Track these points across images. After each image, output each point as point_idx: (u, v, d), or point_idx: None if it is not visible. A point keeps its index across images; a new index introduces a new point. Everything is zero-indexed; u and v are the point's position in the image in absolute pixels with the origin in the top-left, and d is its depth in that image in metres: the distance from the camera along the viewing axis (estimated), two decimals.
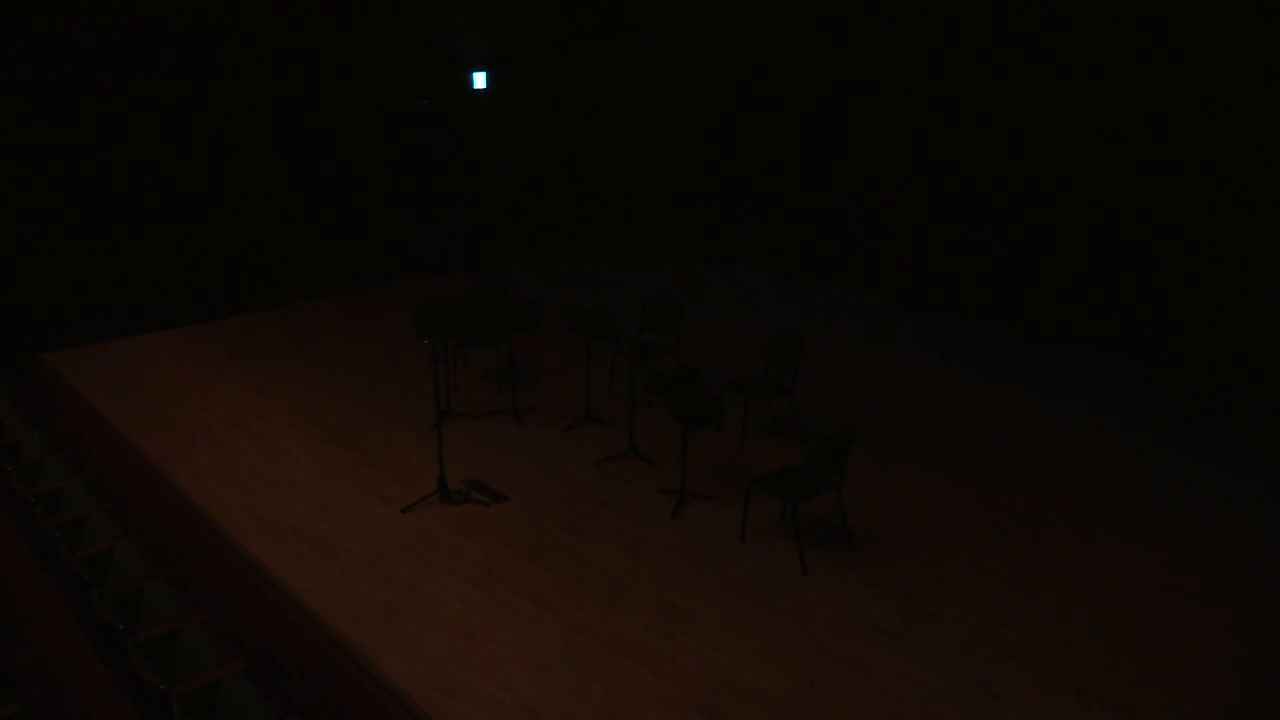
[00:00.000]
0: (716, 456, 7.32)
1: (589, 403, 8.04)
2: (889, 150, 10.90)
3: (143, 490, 7.22)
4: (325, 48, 11.73)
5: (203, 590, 5.92)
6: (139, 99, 10.56)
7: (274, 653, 5.39)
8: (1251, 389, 8.47)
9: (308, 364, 9.31)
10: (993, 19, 9.77)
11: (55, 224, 10.19)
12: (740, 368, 8.36)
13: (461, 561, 5.94)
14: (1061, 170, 9.54)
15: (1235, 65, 8.33)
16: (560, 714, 4.63)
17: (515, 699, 4.73)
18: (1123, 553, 6.03)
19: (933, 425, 7.91)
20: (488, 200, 12.68)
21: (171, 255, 11.01)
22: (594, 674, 4.91)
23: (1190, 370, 8.86)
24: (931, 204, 10.61)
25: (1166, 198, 8.90)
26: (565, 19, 13.17)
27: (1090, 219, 9.42)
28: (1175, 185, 8.82)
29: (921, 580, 5.74)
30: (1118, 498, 6.71)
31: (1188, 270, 8.86)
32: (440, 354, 7.24)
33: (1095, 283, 9.47)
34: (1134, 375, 8.94)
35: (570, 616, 5.39)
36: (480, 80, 12.20)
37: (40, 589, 5.80)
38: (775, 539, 6.15)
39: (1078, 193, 9.48)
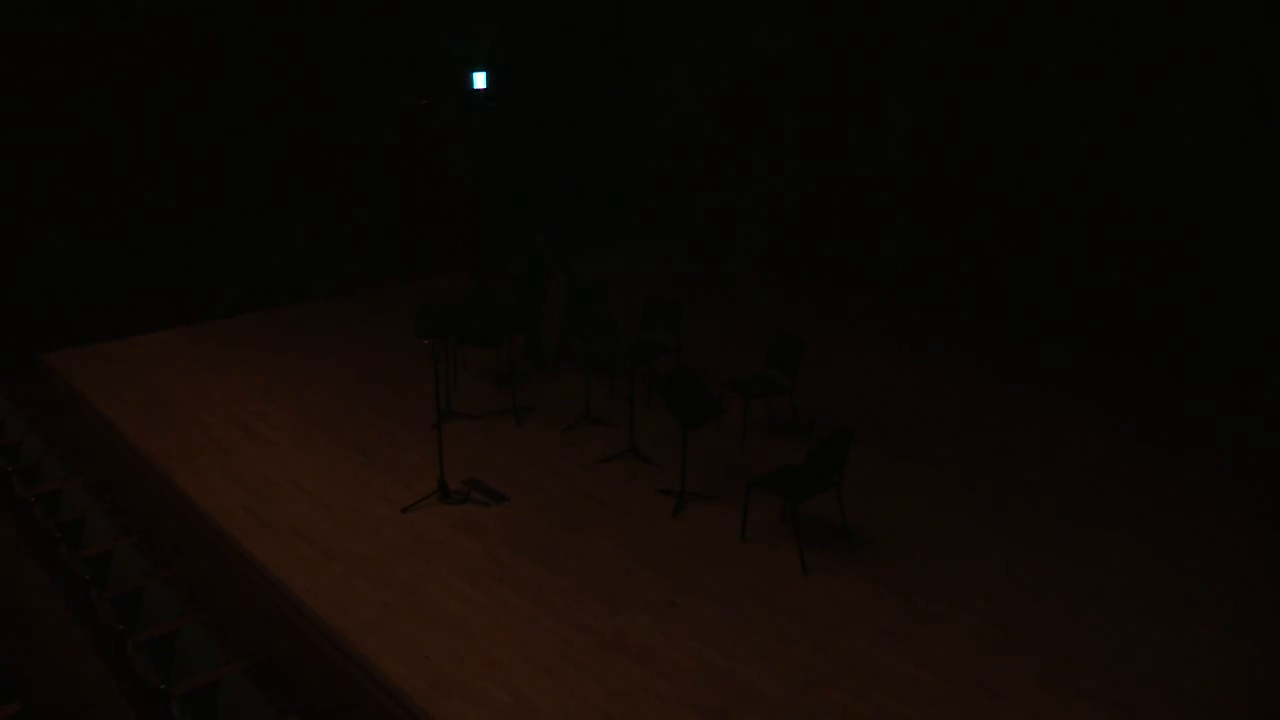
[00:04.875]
0: (716, 456, 7.32)
1: (589, 403, 8.04)
2: (890, 151, 10.90)
3: (143, 490, 7.22)
4: (325, 48, 11.73)
5: (203, 590, 5.92)
6: (139, 99, 10.58)
7: (274, 653, 5.39)
8: (1250, 389, 8.47)
9: (308, 364, 9.31)
10: (994, 21, 9.77)
11: (56, 224, 10.21)
12: (740, 368, 8.36)
13: (461, 561, 5.94)
14: (1062, 171, 9.54)
15: (1232, 66, 8.33)
16: (560, 714, 4.63)
17: (515, 699, 4.73)
18: (1123, 553, 6.03)
19: (933, 425, 7.91)
20: (488, 200, 12.67)
21: (172, 255, 11.02)
22: (594, 674, 4.91)
23: (1189, 370, 8.86)
24: (932, 204, 10.61)
25: (1167, 199, 8.90)
26: (565, 20, 13.17)
27: (1088, 220, 9.42)
28: (1176, 188, 8.82)
29: (921, 580, 5.73)
30: (1118, 498, 6.71)
31: (1187, 271, 8.86)
32: (440, 354, 7.25)
33: (1094, 283, 9.47)
34: (1134, 375, 8.94)
35: (570, 616, 5.39)
36: (480, 80, 12.20)
37: (40, 589, 5.79)
38: (775, 539, 6.16)
39: (1077, 194, 9.47)
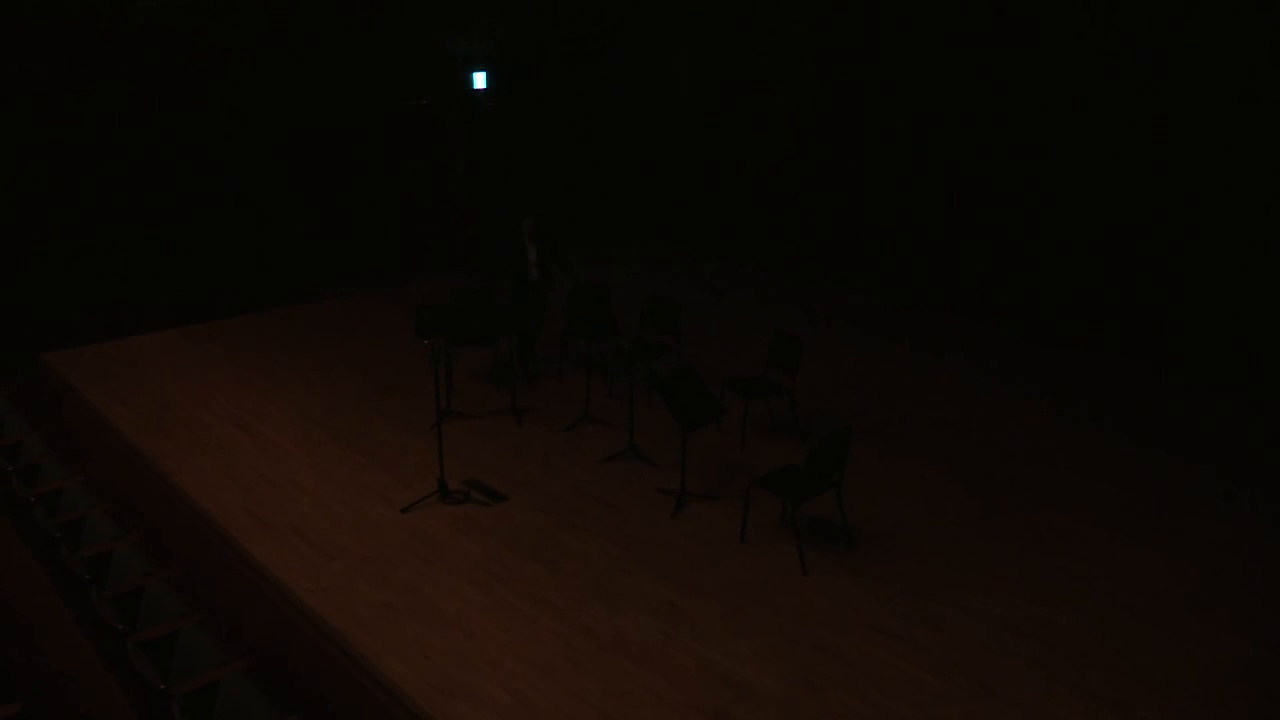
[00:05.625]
0: (716, 456, 7.32)
1: (589, 403, 8.04)
2: (891, 151, 10.90)
3: (143, 490, 7.22)
4: (325, 47, 11.73)
5: (203, 590, 5.93)
6: (139, 99, 10.58)
7: (274, 653, 5.40)
8: (1250, 389, 8.47)
9: (308, 364, 9.31)
10: (996, 20, 9.77)
11: (55, 224, 10.21)
12: (740, 368, 8.36)
13: (461, 561, 5.94)
14: (1062, 171, 9.54)
15: (1232, 66, 8.33)
16: (560, 714, 4.63)
17: (515, 699, 4.73)
18: (1123, 553, 6.03)
19: (933, 425, 7.91)
20: (488, 200, 12.68)
21: (172, 255, 11.02)
22: (594, 674, 4.91)
23: (1189, 371, 8.86)
24: (933, 204, 10.61)
25: (1167, 199, 8.90)
26: (566, 20, 13.17)
27: (1089, 220, 9.42)
28: (1175, 187, 8.82)
29: (921, 580, 5.73)
30: (1118, 498, 6.71)
31: (1187, 271, 8.86)
32: (440, 354, 7.24)
33: (1095, 283, 9.47)
34: (1133, 376, 8.94)
35: (570, 616, 5.39)
36: (480, 80, 12.20)
37: (40, 589, 5.80)
38: (775, 539, 6.15)
39: (1077, 194, 9.47)
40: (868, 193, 11.19)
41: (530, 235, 8.57)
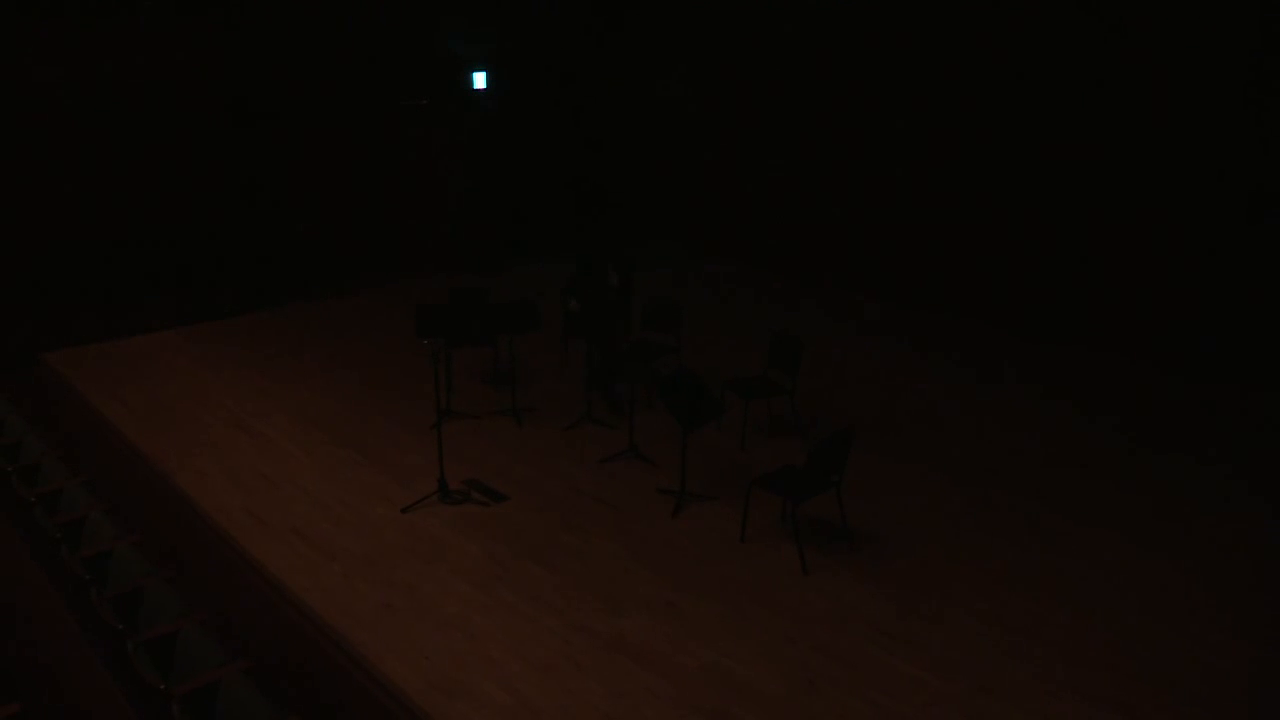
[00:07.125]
0: (716, 456, 7.32)
1: (589, 403, 8.03)
2: (890, 151, 10.90)
3: (143, 490, 7.22)
4: (325, 47, 11.73)
5: (203, 590, 5.92)
6: (139, 99, 10.58)
7: (274, 653, 5.39)
8: (1250, 389, 8.47)
9: (308, 364, 9.31)
10: (995, 22, 9.76)
11: (56, 224, 10.21)
12: (740, 368, 8.36)
13: (461, 561, 5.94)
14: (1060, 170, 9.54)
15: (1232, 66, 8.33)
16: (560, 714, 4.63)
17: (515, 699, 4.73)
18: (1123, 553, 6.03)
19: (933, 425, 7.91)
20: (487, 200, 12.67)
21: (172, 255, 11.03)
22: (594, 674, 4.91)
23: (1190, 370, 8.86)
24: (932, 204, 10.61)
25: (1165, 199, 8.89)
26: (565, 19, 13.17)
27: (1089, 219, 9.42)
28: (1173, 186, 8.82)
29: (922, 580, 5.73)
30: (1117, 498, 6.71)
31: (1186, 270, 8.86)
32: (440, 354, 7.23)
33: (1094, 283, 9.47)
34: (1133, 375, 8.94)
35: (570, 616, 5.39)
36: (480, 80, 12.20)
37: (40, 589, 5.79)
38: (775, 539, 6.15)
39: (1076, 193, 9.47)
40: (867, 193, 11.18)
41: (615, 287, 7.95)
